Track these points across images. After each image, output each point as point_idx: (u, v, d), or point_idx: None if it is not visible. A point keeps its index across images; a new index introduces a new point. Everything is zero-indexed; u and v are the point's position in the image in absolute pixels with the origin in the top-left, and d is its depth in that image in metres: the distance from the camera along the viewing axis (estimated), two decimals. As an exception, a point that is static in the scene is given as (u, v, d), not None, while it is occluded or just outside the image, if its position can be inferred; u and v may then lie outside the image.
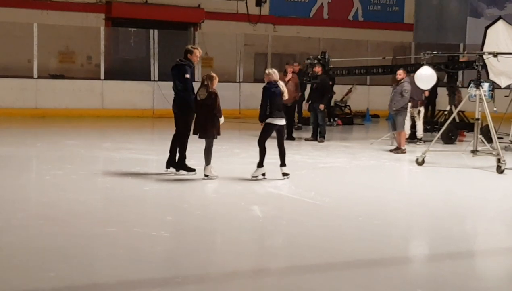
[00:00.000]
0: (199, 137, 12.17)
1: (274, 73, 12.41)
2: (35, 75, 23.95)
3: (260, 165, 12.28)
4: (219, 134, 12.19)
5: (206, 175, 12.11)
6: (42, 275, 6.71)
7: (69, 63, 26.81)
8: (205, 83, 11.98)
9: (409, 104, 16.77)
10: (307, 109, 19.11)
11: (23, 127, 20.00)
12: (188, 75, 12.20)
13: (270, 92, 12.15)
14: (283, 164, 12.38)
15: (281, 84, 12.34)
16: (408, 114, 17.02)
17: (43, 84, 24.10)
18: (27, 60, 23.98)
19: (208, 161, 12.13)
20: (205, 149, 12.14)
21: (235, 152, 15.98)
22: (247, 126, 20.11)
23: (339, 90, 24.58)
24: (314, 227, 9.02)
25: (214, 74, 12.10)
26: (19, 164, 13.76)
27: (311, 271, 7.22)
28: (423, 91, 17.55)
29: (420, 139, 18.18)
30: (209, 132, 12.04)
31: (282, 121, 12.24)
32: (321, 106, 18.23)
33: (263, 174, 12.31)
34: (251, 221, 9.37)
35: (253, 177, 12.25)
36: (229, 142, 17.74)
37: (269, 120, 12.14)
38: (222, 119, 12.17)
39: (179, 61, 12.37)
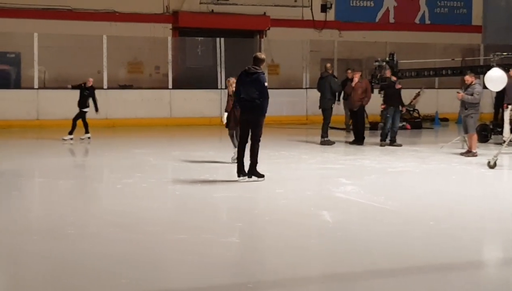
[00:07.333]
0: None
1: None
2: (105, 86, 24.36)
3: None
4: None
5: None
6: (115, 282, 6.80)
7: (137, 73, 27.19)
8: None
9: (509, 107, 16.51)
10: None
11: (94, 137, 20.32)
12: (267, 83, 12.31)
13: None
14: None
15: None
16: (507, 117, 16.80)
17: (113, 95, 24.50)
18: (97, 71, 24.40)
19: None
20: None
21: (303, 158, 15.97)
22: (314, 132, 20.06)
23: (407, 94, 24.32)
24: (384, 232, 8.95)
25: None
26: (91, 173, 14.00)
27: (382, 276, 7.17)
28: None
29: None
30: None
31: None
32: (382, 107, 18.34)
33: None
34: (320, 226, 9.34)
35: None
36: (297, 148, 17.76)
37: None
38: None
39: (253, 69, 12.30)
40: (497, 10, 32.16)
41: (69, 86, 19.45)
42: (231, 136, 14.54)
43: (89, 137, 19.14)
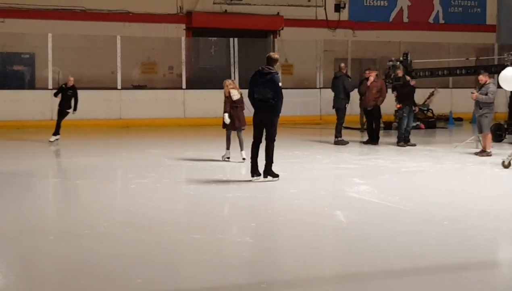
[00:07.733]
0: (242, 128, 14.80)
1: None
2: (119, 86, 24.43)
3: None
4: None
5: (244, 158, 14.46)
6: (130, 282, 6.80)
7: (151, 73, 27.25)
8: (237, 87, 15.12)
9: None
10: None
11: (108, 138, 20.39)
12: (281, 83, 12.26)
13: None
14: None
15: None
16: None
17: (127, 95, 24.56)
18: (110, 72, 24.47)
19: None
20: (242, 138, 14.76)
21: (317, 158, 15.95)
22: (328, 132, 20.05)
23: (421, 94, 24.26)
24: (397, 232, 8.93)
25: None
26: (105, 173, 14.02)
27: (396, 276, 7.15)
28: None
29: None
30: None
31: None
32: (397, 106, 18.26)
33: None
34: (334, 226, 9.33)
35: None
36: (311, 148, 17.75)
37: None
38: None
39: (267, 69, 12.20)
40: (511, 9, 32.00)
41: (56, 96, 19.17)
42: (228, 137, 15.04)
43: (57, 139, 18.90)
